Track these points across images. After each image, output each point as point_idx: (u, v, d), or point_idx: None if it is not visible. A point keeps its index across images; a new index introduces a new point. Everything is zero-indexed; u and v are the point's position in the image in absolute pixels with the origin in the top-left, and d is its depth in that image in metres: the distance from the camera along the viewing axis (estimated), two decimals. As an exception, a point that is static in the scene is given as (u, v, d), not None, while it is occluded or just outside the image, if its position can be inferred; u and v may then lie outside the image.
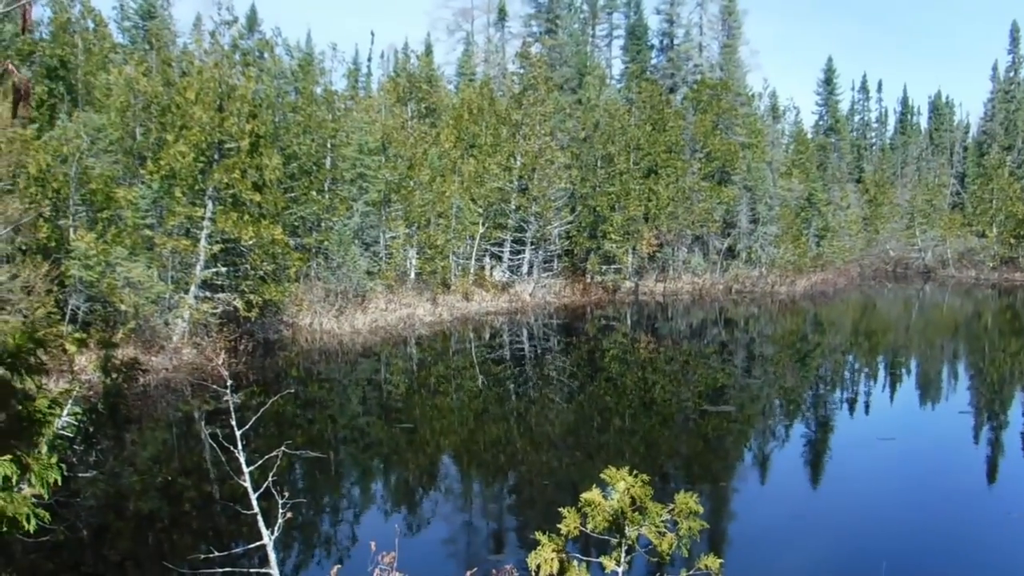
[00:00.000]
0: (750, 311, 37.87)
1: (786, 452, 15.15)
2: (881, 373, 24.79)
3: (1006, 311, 43.07)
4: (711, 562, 4.78)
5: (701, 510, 4.86)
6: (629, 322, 33.66)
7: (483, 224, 34.88)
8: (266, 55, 34.08)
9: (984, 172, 74.31)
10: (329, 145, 30.32)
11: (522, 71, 42.20)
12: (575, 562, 4.88)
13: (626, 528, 4.78)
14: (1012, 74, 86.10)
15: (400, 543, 10.14)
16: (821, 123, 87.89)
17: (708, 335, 30.57)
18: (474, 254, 35.07)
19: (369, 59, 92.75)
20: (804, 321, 36.56)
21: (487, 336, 28.54)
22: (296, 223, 27.96)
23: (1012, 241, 62.20)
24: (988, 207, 66.12)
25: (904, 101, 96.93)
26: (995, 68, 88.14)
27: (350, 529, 10.84)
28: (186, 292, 21.11)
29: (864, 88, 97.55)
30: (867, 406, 19.48)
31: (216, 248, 21.31)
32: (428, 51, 57.34)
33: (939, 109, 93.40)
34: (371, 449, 14.87)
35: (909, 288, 55.00)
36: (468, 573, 6.82)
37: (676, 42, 53.30)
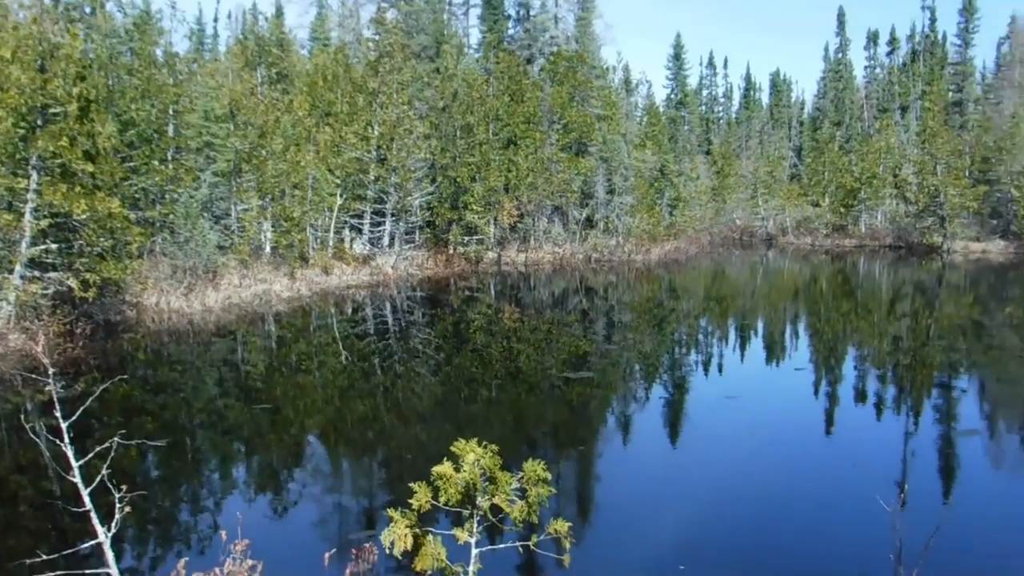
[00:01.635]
0: (609, 279, 38.22)
1: (645, 414, 15.24)
2: (730, 335, 25.47)
3: (838, 275, 45.22)
4: (560, 526, 4.85)
5: (549, 476, 4.84)
6: (493, 292, 33.31)
7: (341, 195, 33.73)
8: (96, 11, 31.67)
9: (817, 146, 77.84)
10: (171, 111, 28.49)
11: (377, 37, 40.95)
12: (429, 536, 4.86)
13: (477, 499, 4.83)
14: (840, 55, 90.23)
15: (263, 528, 9.44)
16: (672, 97, 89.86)
17: (570, 303, 30.58)
18: (333, 226, 33.89)
19: (215, 20, 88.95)
20: (659, 288, 37.17)
21: (349, 311, 27.59)
22: (137, 195, 26.09)
23: (842, 210, 65.42)
24: (821, 178, 69.28)
25: (748, 78, 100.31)
26: (826, 49, 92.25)
27: (208, 519, 9.95)
28: (10, 272, 19.22)
29: (711, 64, 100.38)
30: (719, 367, 19.91)
31: (44, 223, 19.41)
32: (279, 13, 55.10)
33: (778, 86, 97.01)
34: (230, 433, 13.87)
35: (754, 255, 57.06)
36: (327, 554, 6.61)
37: (532, 13, 53.02)
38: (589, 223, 45.89)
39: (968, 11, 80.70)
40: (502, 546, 5.39)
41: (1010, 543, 9.12)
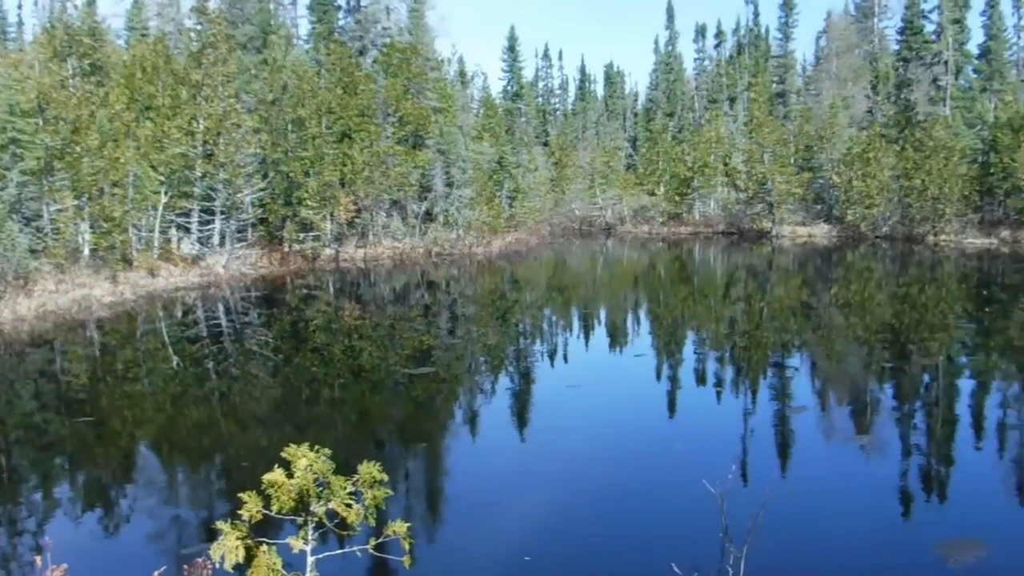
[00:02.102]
0: (450, 273, 38.28)
1: (490, 406, 15.35)
2: (573, 324, 26.05)
3: (675, 261, 47.03)
4: (399, 527, 4.69)
5: (386, 478, 4.70)
6: (332, 290, 32.76)
7: (166, 193, 32.32)
8: None
9: (651, 136, 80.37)
10: (-29, 106, 26.57)
11: (200, 27, 39.44)
12: (263, 546, 4.66)
13: (312, 505, 4.68)
14: (670, 48, 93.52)
15: (89, 549, 8.94)
16: (508, 89, 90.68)
17: (412, 298, 30.44)
18: (158, 226, 32.44)
19: (20, 7, 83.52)
20: (501, 280, 37.53)
21: (179, 314, 26.50)
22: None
23: (676, 198, 67.91)
24: (656, 168, 71.63)
25: (582, 70, 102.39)
26: (657, 42, 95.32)
27: (28, 542, 9.31)
28: None
29: (547, 56, 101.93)
30: (564, 357, 20.27)
31: None
32: (90, 1, 52.11)
33: (612, 78, 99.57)
34: (51, 449, 13.06)
35: (594, 244, 58.47)
36: (157, 573, 6.24)
37: (364, 4, 52.29)
38: (428, 217, 45.79)
39: (788, 6, 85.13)
40: (339, 552, 5.30)
41: (837, 510, 9.69)
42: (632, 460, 11.83)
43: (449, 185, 45.95)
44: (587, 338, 23.42)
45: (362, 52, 50.02)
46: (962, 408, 14.75)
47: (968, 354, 20.01)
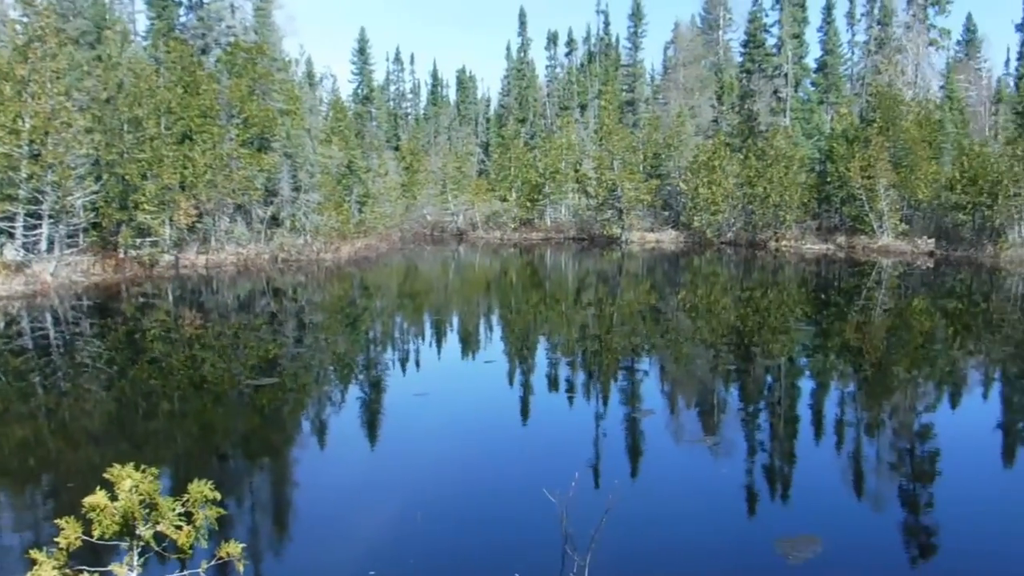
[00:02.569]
0: (298, 279, 37.50)
1: (340, 416, 15.10)
2: (425, 331, 25.94)
3: (527, 267, 47.59)
4: (232, 548, 4.64)
5: (218, 496, 4.63)
6: (171, 298, 31.49)
7: (-15, 195, 30.38)
8: None
9: (503, 142, 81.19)
10: None
11: (26, 19, 37.24)
12: (85, 575, 4.53)
13: (138, 529, 4.51)
14: (523, 54, 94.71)
15: None
16: (358, 92, 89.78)
17: (257, 306, 29.64)
18: (-25, 231, 30.44)
19: None
20: (351, 287, 37.04)
21: (0, 325, 24.92)
22: None
23: (528, 204, 68.79)
24: (508, 174, 72.38)
25: (435, 74, 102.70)
26: (509, 48, 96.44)
27: None
28: None
29: (398, 60, 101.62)
30: (416, 364, 20.12)
31: None
32: None
33: (464, 83, 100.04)
34: None
35: (446, 250, 58.49)
36: None
37: (206, 0, 50.65)
38: (275, 222, 44.75)
39: (637, 16, 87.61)
40: (169, 577, 5.05)
41: (683, 511, 9.98)
42: (480, 468, 11.81)
43: (296, 189, 45.06)
44: (438, 345, 23.35)
45: (204, 51, 48.42)
46: (803, 407, 15.46)
47: (808, 355, 21.03)
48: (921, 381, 17.98)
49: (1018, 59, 76.95)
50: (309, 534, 9.60)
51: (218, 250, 41.49)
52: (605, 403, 15.65)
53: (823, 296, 32.94)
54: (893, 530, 9.43)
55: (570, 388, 16.95)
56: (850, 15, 79.11)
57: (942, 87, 72.82)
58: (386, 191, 61.48)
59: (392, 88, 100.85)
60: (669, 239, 61.98)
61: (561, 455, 12.18)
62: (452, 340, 24.20)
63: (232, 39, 48.63)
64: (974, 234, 49.95)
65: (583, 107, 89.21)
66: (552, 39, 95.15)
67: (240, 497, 10.71)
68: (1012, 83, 77.79)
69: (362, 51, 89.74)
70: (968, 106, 76.28)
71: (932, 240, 52.39)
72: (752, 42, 76.53)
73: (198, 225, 40.17)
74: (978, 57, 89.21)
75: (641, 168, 64.84)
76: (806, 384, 17.65)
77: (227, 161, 40.76)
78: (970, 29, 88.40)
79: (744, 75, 75.84)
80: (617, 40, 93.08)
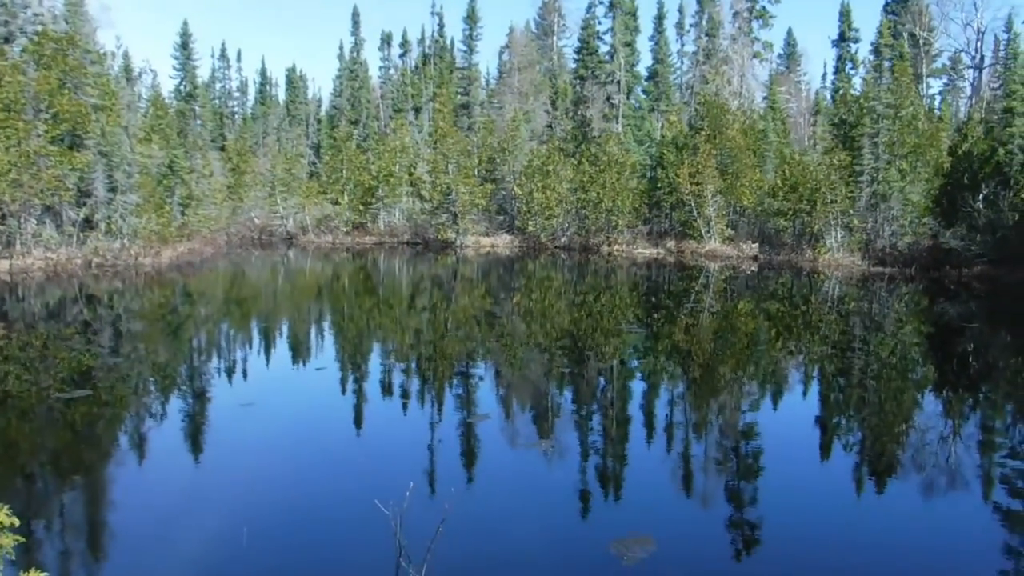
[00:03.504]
0: (114, 286, 35.74)
1: (161, 430, 14.39)
2: (253, 339, 25.20)
3: (359, 272, 47.11)
4: None
5: (16, 522, 4.38)
6: (-32, 307, 29.44)
7: None
8: None
9: (335, 144, 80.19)
10: None
11: None
12: None
13: None
14: (356, 54, 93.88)
15: None
16: (181, 89, 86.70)
17: (69, 315, 28.04)
18: None
19: None
20: (173, 293, 35.61)
21: None
22: None
23: (361, 208, 68.21)
24: (340, 176, 71.50)
25: (263, 72, 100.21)
26: (341, 47, 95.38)
27: None
28: None
29: (224, 56, 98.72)
30: (243, 373, 19.50)
31: None
32: None
33: (294, 82, 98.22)
34: None
35: (275, 254, 57.19)
36: None
37: (8, -15, 47.65)
38: (88, 224, 42.53)
39: (472, 20, 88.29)
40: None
41: (519, 516, 10.04)
42: (311, 481, 11.50)
43: (112, 190, 43.00)
44: (267, 353, 22.74)
45: (8, 39, 45.54)
46: (635, 409, 15.90)
47: (639, 357, 21.69)
48: (746, 381, 18.82)
49: (834, 73, 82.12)
50: (126, 557, 9.12)
51: (24, 255, 39.10)
52: (440, 409, 15.62)
53: (654, 299, 34.07)
54: (721, 525, 9.82)
55: (405, 395, 16.84)
56: (679, 26, 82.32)
57: (765, 98, 76.79)
58: (211, 193, 59.48)
59: (218, 86, 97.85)
60: (504, 243, 62.70)
61: (396, 464, 12.06)
62: (282, 348, 23.62)
63: (40, 28, 45.95)
64: (795, 239, 52.81)
65: (417, 109, 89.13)
66: (386, 40, 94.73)
67: (49, 520, 10.06)
68: (829, 96, 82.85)
69: (185, 46, 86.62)
70: (789, 116, 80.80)
71: (756, 245, 55.13)
72: (585, 49, 78.51)
73: (1, 228, 37.74)
74: (798, 70, 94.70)
75: (476, 172, 65.35)
76: (638, 386, 18.18)
77: (34, 159, 38.51)
78: (791, 43, 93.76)
79: (578, 81, 77.72)
80: (452, 43, 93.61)
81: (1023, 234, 42.41)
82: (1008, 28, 66.06)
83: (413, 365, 20.37)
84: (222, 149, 78.96)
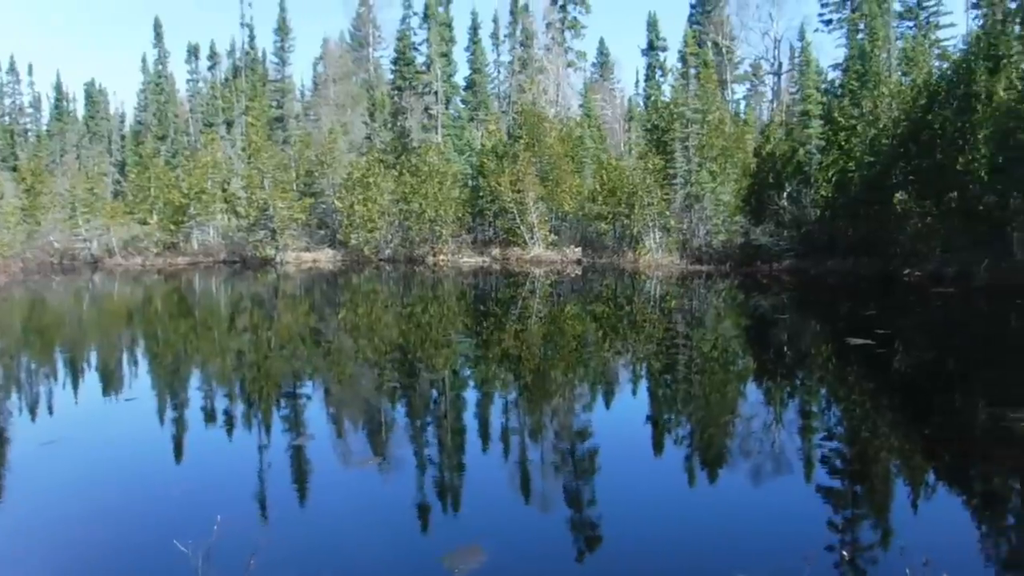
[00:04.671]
0: None
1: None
2: (56, 371, 23.47)
3: (173, 294, 45.14)
4: None
5: None
6: None
7: None
8: None
9: (141, 161, 76.94)
10: None
11: None
12: None
13: None
14: (160, 67, 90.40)
15: None
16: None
17: None
18: None
19: None
20: (-37, 326, 33.00)
21: None
22: None
23: (172, 227, 65.61)
24: (148, 195, 68.59)
25: (58, 87, 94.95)
26: (144, 60, 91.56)
27: None
28: None
29: (13, 70, 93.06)
30: (48, 408, 18.09)
31: None
32: None
33: (93, 97, 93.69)
34: None
35: (79, 280, 54.03)
36: None
37: None
38: None
39: (283, 31, 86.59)
40: None
41: (350, 536, 9.62)
42: (117, 522, 10.51)
43: None
44: (73, 385, 21.20)
45: None
46: (468, 418, 15.68)
47: (470, 366, 21.55)
48: (577, 383, 18.99)
49: (645, 80, 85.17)
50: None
51: None
52: (266, 432, 14.91)
53: (482, 307, 34.14)
54: (561, 528, 9.71)
55: (225, 421, 15.99)
56: (495, 36, 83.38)
57: (581, 105, 78.79)
58: (3, 216, 55.70)
59: (7, 101, 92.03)
60: (327, 258, 61.66)
61: (208, 497, 11.29)
62: (90, 379, 22.08)
63: None
64: (616, 242, 54.36)
65: (229, 124, 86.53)
66: (193, 52, 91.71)
67: None
68: (641, 102, 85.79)
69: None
70: (605, 123, 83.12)
71: (579, 249, 56.35)
72: (402, 59, 78.41)
73: None
74: (612, 78, 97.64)
75: (294, 186, 64.03)
76: (471, 395, 18.00)
77: None
78: (604, 52, 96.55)
79: (395, 92, 77.46)
80: (264, 54, 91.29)
81: (825, 229, 45.21)
82: (801, 37, 70.30)
83: (236, 389, 19.47)
84: (14, 169, 74.31)
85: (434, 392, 18.25)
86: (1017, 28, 40.49)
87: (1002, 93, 36.93)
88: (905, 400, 16.72)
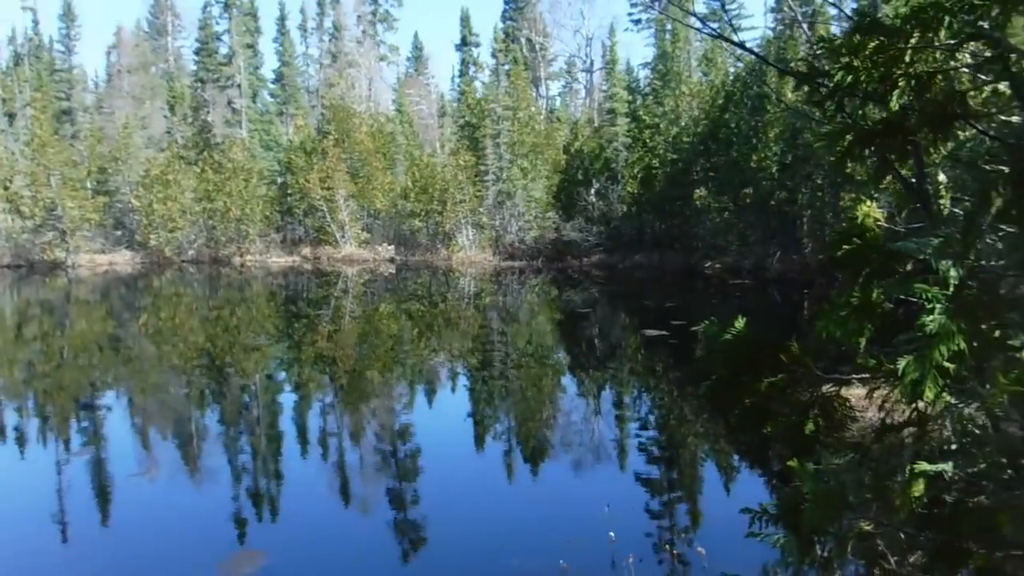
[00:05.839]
0: None
1: None
2: None
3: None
4: None
5: None
6: None
7: None
8: None
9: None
10: None
11: None
12: None
13: None
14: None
15: None
16: None
17: None
18: None
19: None
20: None
21: None
22: None
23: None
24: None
25: None
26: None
27: None
28: None
29: None
30: None
31: None
32: None
33: None
34: None
35: None
36: None
37: None
38: None
39: (68, 17, 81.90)
40: None
41: (113, 550, 9.31)
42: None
43: None
44: None
45: None
46: (285, 423, 15.42)
47: (284, 369, 21.18)
48: (395, 383, 19.02)
49: (459, 76, 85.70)
50: None
51: None
52: (67, 448, 14.14)
53: (293, 308, 33.55)
54: (384, 529, 9.75)
55: (22, 439, 15.04)
56: (303, 28, 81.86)
57: (394, 101, 78.43)
58: None
59: None
60: (124, 260, 58.95)
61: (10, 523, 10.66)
62: None
63: None
64: (429, 239, 54.57)
65: (11, 116, 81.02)
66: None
67: None
68: (455, 98, 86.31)
69: None
70: (420, 119, 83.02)
71: (392, 247, 56.24)
72: (204, 50, 75.88)
73: None
74: (426, 73, 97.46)
75: (86, 184, 60.83)
76: (285, 399, 17.69)
77: None
78: (417, 46, 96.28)
79: (197, 84, 74.85)
80: (51, 42, 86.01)
81: (631, 224, 47.02)
82: (611, 35, 72.60)
83: (28, 403, 18.33)
84: None
85: (246, 398, 17.85)
86: (805, 32, 43.31)
87: (790, 94, 39.47)
88: (696, 388, 17.69)
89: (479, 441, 13.75)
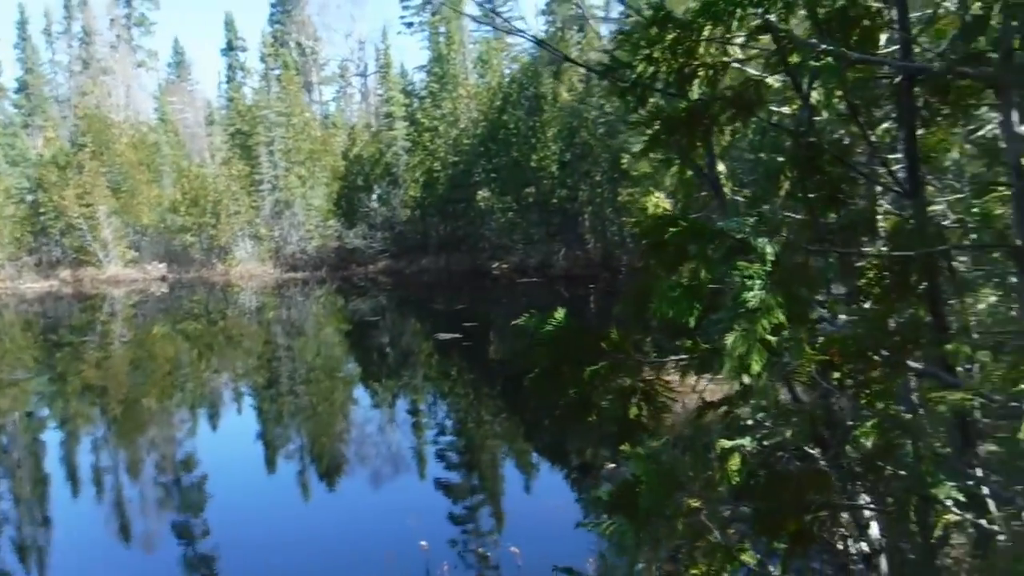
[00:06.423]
0: None
1: None
2: None
3: None
4: None
5: None
6: None
7: None
8: None
9: None
10: None
11: None
12: None
13: None
14: None
15: None
16: None
17: None
18: None
19: None
20: None
21: None
22: None
23: None
24: None
25: None
26: None
27: None
28: None
29: None
30: None
31: None
32: None
33: None
34: None
35: None
36: None
37: None
38: None
39: None
40: None
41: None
42: None
43: None
44: None
45: None
46: (51, 464, 14.23)
47: (47, 405, 19.59)
48: (174, 409, 18.03)
49: (227, 82, 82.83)
50: None
51: None
52: None
53: (54, 337, 31.25)
54: (170, 569, 9.09)
55: None
56: (47, 32, 76.95)
57: (156, 109, 74.90)
58: None
59: None
60: None
61: None
62: None
63: None
64: (204, 254, 52.45)
65: None
66: None
67: None
68: (224, 105, 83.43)
69: None
70: (186, 128, 79.70)
71: (164, 264, 53.71)
72: (-69, 57, 70.01)
73: None
74: (190, 79, 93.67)
75: None
76: (50, 436, 16.34)
77: None
78: (179, 52, 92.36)
79: (-74, 96, 69.06)
80: None
81: (416, 228, 47.08)
82: (384, 38, 72.35)
83: None
84: None
85: (4, 439, 16.39)
86: (576, 34, 44.70)
87: (565, 95, 40.71)
88: (493, 389, 17.88)
89: (271, 463, 13.19)
